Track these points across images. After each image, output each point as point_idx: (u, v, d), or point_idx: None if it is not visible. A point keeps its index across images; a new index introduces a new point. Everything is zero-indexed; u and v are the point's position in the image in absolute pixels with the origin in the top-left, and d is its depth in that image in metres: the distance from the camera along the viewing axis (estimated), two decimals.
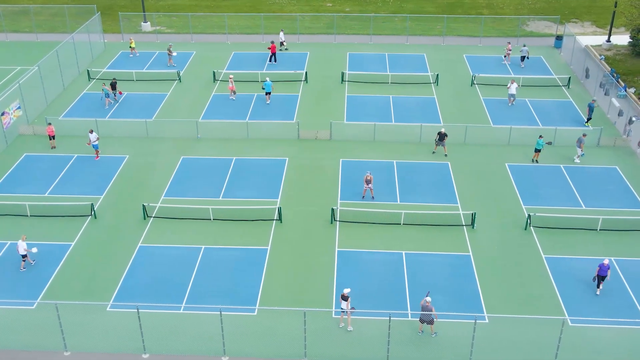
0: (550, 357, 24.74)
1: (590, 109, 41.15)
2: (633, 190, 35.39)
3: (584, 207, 33.94)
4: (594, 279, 28.10)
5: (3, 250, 30.72)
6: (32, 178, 36.41)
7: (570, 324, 26.46)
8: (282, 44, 54.64)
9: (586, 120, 41.79)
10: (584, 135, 37.53)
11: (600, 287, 27.89)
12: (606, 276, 27.56)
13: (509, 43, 52.61)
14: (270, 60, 52.06)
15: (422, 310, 25.03)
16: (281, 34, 54.62)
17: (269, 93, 44.36)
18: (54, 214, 33.21)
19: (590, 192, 35.23)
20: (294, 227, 32.31)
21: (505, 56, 52.27)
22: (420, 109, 44.42)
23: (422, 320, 25.26)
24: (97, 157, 38.38)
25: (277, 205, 33.73)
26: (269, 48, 51.60)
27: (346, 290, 25.30)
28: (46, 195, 34.88)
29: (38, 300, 27.59)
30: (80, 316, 26.68)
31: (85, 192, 35.14)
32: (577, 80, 49.00)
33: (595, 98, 42.66)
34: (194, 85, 48.28)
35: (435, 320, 25.46)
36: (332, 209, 32.40)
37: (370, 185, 33.77)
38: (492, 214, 33.33)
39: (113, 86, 45.08)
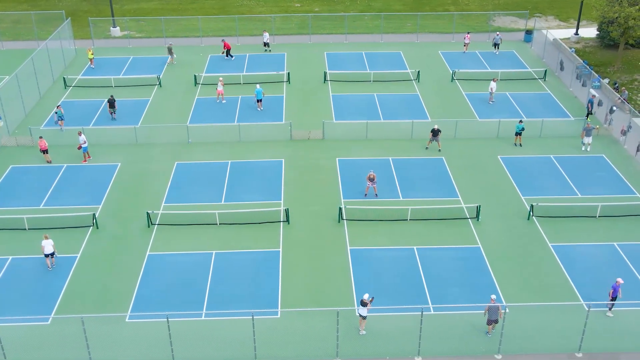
0: (575, 343, 25.39)
1: (591, 103, 42.28)
2: (622, 177, 36.60)
3: (579, 195, 34.92)
4: (610, 307, 26.81)
5: (5, 266, 29.64)
6: (23, 190, 35.21)
7: (586, 309, 27.21)
8: (266, 44, 54.34)
9: (586, 115, 42.80)
10: (594, 128, 38.91)
11: (612, 309, 26.80)
12: (617, 297, 26.37)
13: (468, 33, 54.53)
14: (226, 57, 52.79)
15: (491, 310, 25.01)
16: (266, 35, 54.26)
17: (260, 100, 43.60)
18: (54, 226, 32.21)
19: (582, 180, 36.26)
20: (302, 228, 32.21)
21: (464, 45, 54.24)
22: (405, 106, 44.88)
23: (490, 321, 25.28)
24: (85, 160, 37.49)
25: (282, 207, 33.58)
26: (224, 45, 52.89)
27: (366, 296, 25.22)
28: (41, 207, 33.80)
29: (52, 315, 26.74)
30: (100, 329, 25.96)
31: (82, 202, 34.21)
32: (551, 72, 50.35)
33: (595, 94, 43.92)
34: (175, 89, 47.54)
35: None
36: (340, 208, 32.45)
37: (373, 183, 33.95)
38: (494, 206, 33.96)
39: (111, 103, 42.08)
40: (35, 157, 38.35)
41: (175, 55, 52.50)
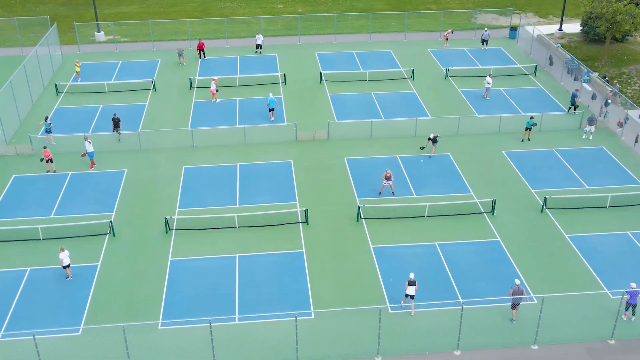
0: (607, 330, 25.97)
1: (575, 97, 43.16)
2: (625, 168, 37.57)
3: (586, 187, 35.73)
4: (633, 312, 26.44)
5: (25, 278, 28.93)
6: (31, 200, 34.40)
7: (611, 297, 27.86)
8: (259, 46, 54.06)
9: (570, 108, 43.67)
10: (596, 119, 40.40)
11: (631, 316, 26.46)
12: (636, 304, 26.11)
13: (447, 31, 56.14)
14: (200, 57, 53.01)
15: (515, 295, 25.48)
16: (259, 36, 53.97)
17: (273, 109, 42.41)
18: (69, 235, 31.56)
19: (587, 172, 37.11)
20: (322, 228, 32.22)
21: (445, 38, 56.00)
22: (404, 104, 45.24)
23: (515, 305, 25.76)
24: (92, 167, 36.86)
25: (298, 208, 33.54)
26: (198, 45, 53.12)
27: (412, 275, 25.97)
28: (52, 217, 33.08)
29: (82, 325, 26.21)
30: (132, 337, 25.51)
31: (93, 210, 33.59)
32: (540, 68, 51.34)
33: (578, 88, 44.97)
34: (170, 93, 47.00)
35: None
36: (359, 207, 32.56)
37: (390, 181, 34.15)
38: (506, 199, 34.50)
39: (116, 123, 39.54)
40: (37, 166, 37.50)
41: (183, 57, 52.15)
